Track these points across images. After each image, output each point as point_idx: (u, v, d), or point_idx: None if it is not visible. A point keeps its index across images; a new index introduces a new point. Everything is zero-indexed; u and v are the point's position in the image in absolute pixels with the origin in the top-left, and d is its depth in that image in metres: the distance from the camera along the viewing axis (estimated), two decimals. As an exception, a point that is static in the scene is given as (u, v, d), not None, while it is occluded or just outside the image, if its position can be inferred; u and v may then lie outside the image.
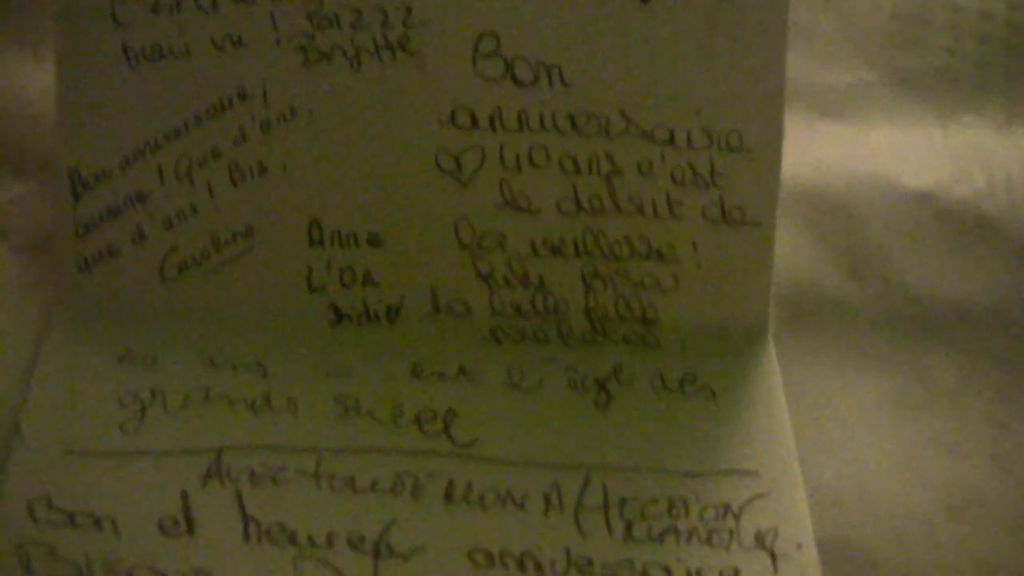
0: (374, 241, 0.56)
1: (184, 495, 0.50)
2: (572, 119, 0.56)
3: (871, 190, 0.63)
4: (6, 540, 0.48)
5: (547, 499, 0.50)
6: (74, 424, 0.52)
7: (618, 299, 0.57)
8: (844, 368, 0.57)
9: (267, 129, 0.55)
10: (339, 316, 0.57)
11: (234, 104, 0.55)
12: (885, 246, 0.62)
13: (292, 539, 0.49)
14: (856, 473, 0.53)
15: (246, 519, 0.49)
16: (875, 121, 0.68)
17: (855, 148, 0.66)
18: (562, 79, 0.55)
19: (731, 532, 0.50)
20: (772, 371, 0.56)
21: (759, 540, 0.50)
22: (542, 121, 0.56)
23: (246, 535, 0.49)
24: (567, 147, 0.56)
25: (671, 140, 0.56)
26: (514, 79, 0.55)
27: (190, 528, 0.49)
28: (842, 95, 0.69)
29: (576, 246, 0.56)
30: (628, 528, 0.50)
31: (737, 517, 0.50)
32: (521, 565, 0.48)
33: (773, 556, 0.49)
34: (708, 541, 0.50)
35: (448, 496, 0.50)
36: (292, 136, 0.55)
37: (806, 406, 0.55)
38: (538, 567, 0.48)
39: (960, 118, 0.68)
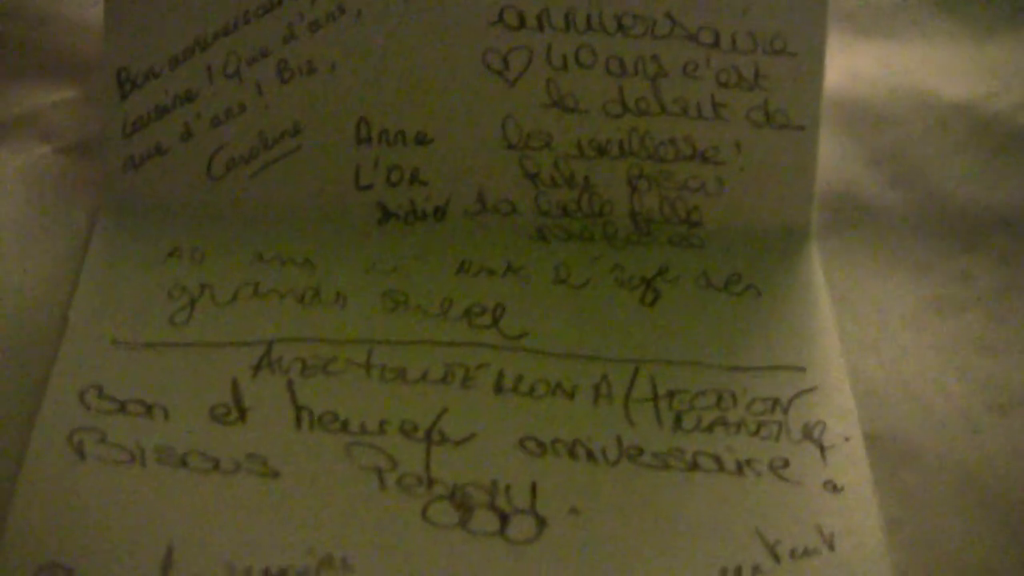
0: (422, 140, 0.56)
1: (235, 384, 0.49)
2: (619, 20, 0.55)
3: (910, 102, 0.63)
4: (58, 427, 0.47)
5: (596, 390, 0.50)
6: (123, 316, 0.51)
7: (663, 201, 0.56)
8: (886, 271, 0.57)
9: (316, 28, 0.55)
10: (386, 214, 0.56)
11: (283, 2, 0.54)
12: (925, 155, 0.61)
13: (344, 427, 0.48)
14: (900, 371, 0.53)
15: (298, 408, 0.49)
16: (913, 39, 0.68)
17: (893, 63, 0.66)
18: (609, -21, 0.55)
19: (780, 425, 0.50)
20: (816, 272, 0.55)
21: (807, 433, 0.49)
22: (589, 22, 0.55)
23: (298, 423, 0.48)
24: (613, 48, 0.55)
25: (716, 43, 0.55)
26: (562, -21, 0.55)
27: (242, 416, 0.48)
28: (879, 14, 0.69)
29: (622, 147, 0.56)
30: (677, 419, 0.49)
31: (785, 411, 0.50)
32: (572, 453, 0.48)
33: (821, 448, 0.49)
34: (757, 433, 0.49)
35: (498, 386, 0.50)
36: (341, 35, 0.55)
37: (849, 307, 0.55)
38: (590, 455, 0.48)
39: (996, 37, 0.68)
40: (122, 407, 0.48)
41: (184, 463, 0.47)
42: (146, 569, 0.44)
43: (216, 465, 0.47)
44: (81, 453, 0.47)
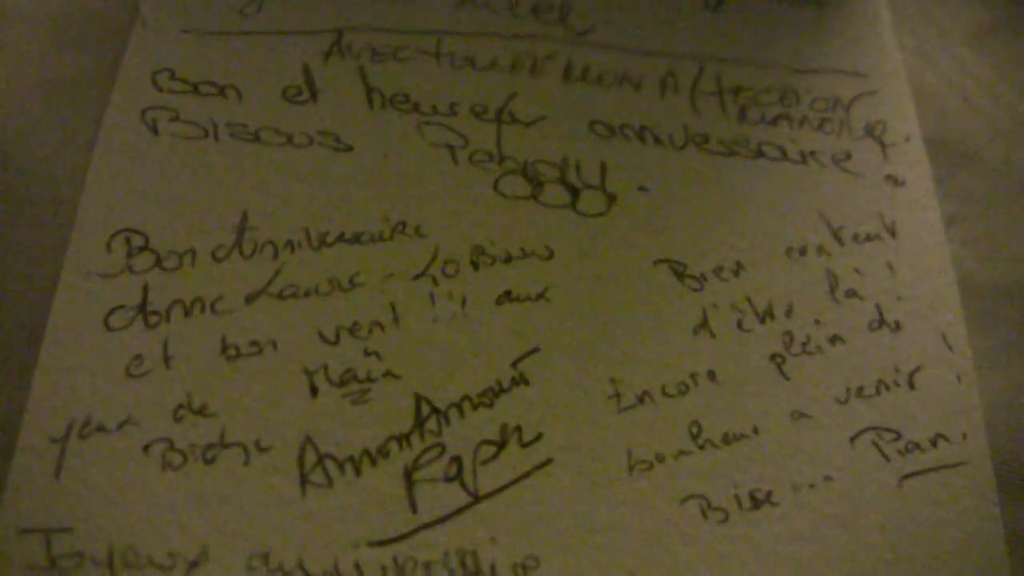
0: None
1: (306, 68, 0.47)
2: None
3: None
4: (131, 107, 0.46)
5: (663, 83, 0.48)
6: (192, 6, 0.49)
7: (727, -86, 0.54)
8: (945, -5, 0.55)
9: None
10: (452, -83, 0.54)
11: None
12: None
13: (416, 107, 0.47)
14: (959, 82, 0.51)
15: (369, 89, 0.47)
16: None
17: None
18: None
19: (842, 122, 0.48)
20: (877, -14, 0.53)
21: (869, 131, 0.48)
22: None
23: (370, 103, 0.47)
24: None
25: None
26: None
27: (313, 96, 0.47)
28: None
29: None
30: (742, 112, 0.48)
31: (847, 109, 0.48)
32: (641, 137, 0.47)
33: (883, 145, 0.48)
34: (820, 128, 0.48)
35: (567, 75, 0.48)
36: None
37: (910, 25, 0.53)
38: (657, 139, 0.47)
39: None
40: (194, 88, 0.46)
41: (257, 138, 0.45)
42: (220, 232, 0.43)
43: (289, 139, 0.45)
44: (155, 130, 0.45)
